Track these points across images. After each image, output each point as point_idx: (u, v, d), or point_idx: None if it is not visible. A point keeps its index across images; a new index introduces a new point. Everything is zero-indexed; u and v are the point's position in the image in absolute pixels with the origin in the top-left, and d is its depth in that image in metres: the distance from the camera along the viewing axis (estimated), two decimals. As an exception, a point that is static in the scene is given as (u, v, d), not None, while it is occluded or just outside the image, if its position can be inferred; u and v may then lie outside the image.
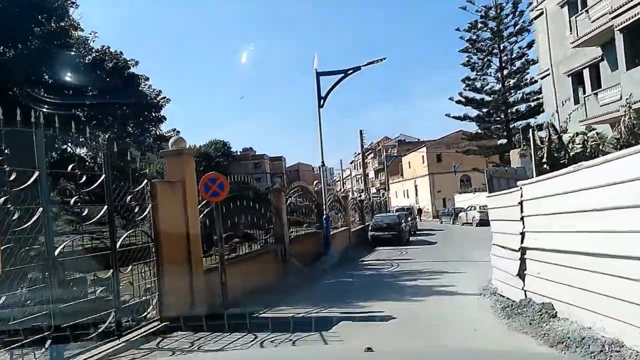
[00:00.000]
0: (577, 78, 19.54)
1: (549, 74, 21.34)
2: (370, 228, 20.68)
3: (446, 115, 37.69)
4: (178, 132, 16.14)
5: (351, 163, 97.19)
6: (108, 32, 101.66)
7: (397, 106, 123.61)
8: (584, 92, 18.80)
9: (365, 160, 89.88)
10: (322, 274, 11.97)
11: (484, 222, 33.46)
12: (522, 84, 34.20)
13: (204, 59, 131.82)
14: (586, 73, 18.70)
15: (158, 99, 16.20)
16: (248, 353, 3.19)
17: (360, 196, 24.24)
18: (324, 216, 14.11)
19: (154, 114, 15.90)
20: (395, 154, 52.55)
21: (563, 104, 20.45)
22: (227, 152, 57.89)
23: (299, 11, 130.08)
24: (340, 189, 57.35)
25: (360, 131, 48.18)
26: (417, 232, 28.15)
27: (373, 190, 61.70)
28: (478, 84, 36.54)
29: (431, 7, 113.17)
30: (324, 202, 14.16)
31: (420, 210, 43.41)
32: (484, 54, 36.05)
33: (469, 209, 33.77)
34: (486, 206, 31.81)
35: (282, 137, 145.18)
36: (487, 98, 35.95)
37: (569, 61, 19.54)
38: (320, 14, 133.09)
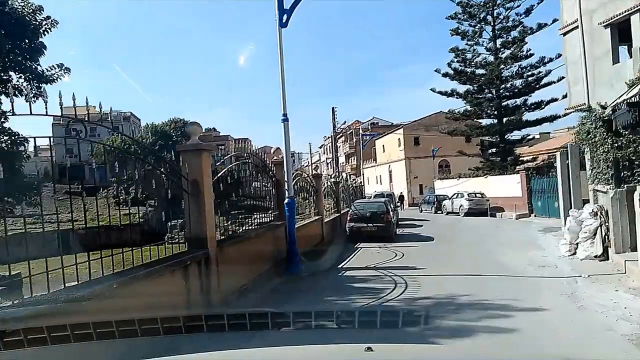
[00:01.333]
0: (618, 30, 15.20)
1: (576, 27, 16.95)
2: (348, 218, 15.86)
3: (431, 90, 33.18)
4: (67, 69, 10.51)
5: (321, 147, 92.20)
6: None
7: (371, 94, 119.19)
8: (632, 46, 14.48)
9: (336, 144, 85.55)
10: (275, 303, 6.81)
11: (473, 212, 29.76)
12: (519, 55, 30.02)
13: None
14: (636, 20, 14.36)
15: (38, 19, 10.55)
16: (248, 353, 2.17)
17: (334, 178, 19.25)
18: (286, 200, 9.12)
19: (27, 42, 10.28)
20: (370, 134, 47.74)
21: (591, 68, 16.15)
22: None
23: None
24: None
25: (333, 108, 43.18)
26: (400, 223, 23.73)
27: (344, 175, 57.08)
28: (469, 55, 32.16)
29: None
30: (286, 179, 9.11)
31: (402, 197, 39.00)
32: (475, 20, 31.60)
33: (455, 196, 29.63)
34: (476, 193, 27.82)
35: (251, 120, 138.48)
36: (479, 71, 31.64)
37: (608, 7, 15.19)
38: None
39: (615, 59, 15.19)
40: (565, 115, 17.47)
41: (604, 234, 9.18)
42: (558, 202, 22.62)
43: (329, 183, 18.04)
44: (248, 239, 7.93)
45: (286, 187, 9.15)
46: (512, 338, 4.86)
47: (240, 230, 8.10)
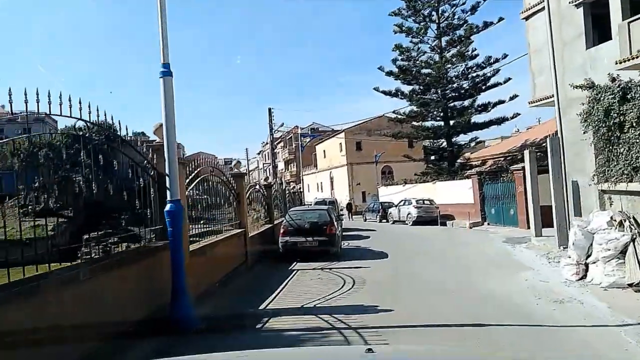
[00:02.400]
0: (593, 8, 13.20)
1: (541, 9, 14.88)
2: (282, 230, 12.35)
3: (374, 89, 30.72)
4: None
5: (259, 154, 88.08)
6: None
7: (314, 103, 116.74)
8: (609, 26, 12.44)
9: (275, 151, 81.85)
10: None
11: (422, 220, 27.40)
12: (466, 54, 28.37)
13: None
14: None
15: None
16: (248, 354, 2.38)
17: (266, 181, 15.69)
18: (168, 206, 5.39)
19: None
20: (310, 134, 44.59)
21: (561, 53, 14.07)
22: (114, 135, 45.35)
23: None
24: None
25: (270, 109, 39.54)
26: (344, 234, 20.63)
27: (277, 179, 53.53)
28: (414, 53, 30.15)
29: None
30: (165, 168, 5.27)
31: (350, 206, 35.85)
32: (420, 16, 29.66)
33: (402, 203, 27.16)
34: (425, 200, 25.48)
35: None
36: (425, 71, 29.67)
37: (582, -17, 13.15)
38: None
39: (589, 42, 13.17)
40: (533, 104, 15.23)
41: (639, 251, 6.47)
42: (515, 209, 20.91)
43: (258, 187, 14.42)
44: (85, 281, 4.21)
45: (167, 184, 5.41)
46: None
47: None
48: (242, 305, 6.86)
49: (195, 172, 7.54)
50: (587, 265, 7.62)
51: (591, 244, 7.61)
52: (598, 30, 13.46)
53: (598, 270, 7.13)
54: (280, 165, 76.34)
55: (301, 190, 34.68)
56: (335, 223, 12.84)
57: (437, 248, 14.31)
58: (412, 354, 2.00)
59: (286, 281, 8.99)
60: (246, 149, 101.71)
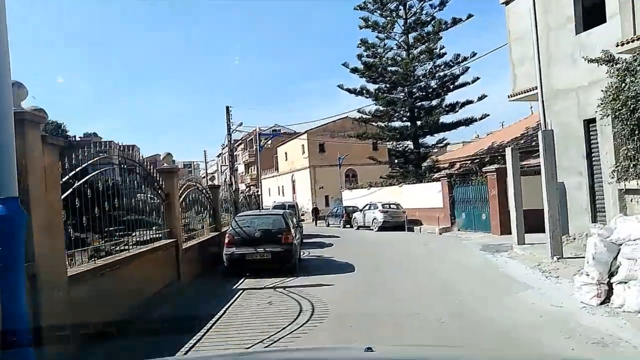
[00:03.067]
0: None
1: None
2: (227, 240, 10.09)
3: (338, 86, 29.02)
4: None
5: (218, 156, 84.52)
6: None
7: (279, 107, 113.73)
8: (598, 11, 11.07)
9: (235, 153, 78.67)
10: None
11: (389, 225, 25.76)
12: (434, 52, 27.11)
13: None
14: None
15: None
16: (247, 353, 2.60)
17: (212, 181, 13.29)
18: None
19: None
20: (271, 133, 42.25)
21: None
22: (63, 136, 41.22)
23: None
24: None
25: (227, 107, 36.91)
26: (305, 241, 18.58)
27: (242, 187, 50.83)
28: (380, 50, 28.64)
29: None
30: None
31: (316, 210, 33.60)
32: (387, 10, 28.20)
33: (367, 207, 25.43)
34: (391, 204, 23.89)
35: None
36: (391, 69, 28.20)
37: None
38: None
39: (580, 27, 11.84)
40: (514, 97, 13.79)
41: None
42: (487, 213, 19.55)
43: (199, 187, 12.07)
44: None
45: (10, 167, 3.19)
46: None
47: None
48: (148, 349, 4.61)
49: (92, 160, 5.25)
50: (609, 284, 5.93)
51: (615, 258, 5.92)
52: (585, 17, 12.19)
53: (632, 293, 5.43)
54: (241, 168, 73.39)
55: (259, 193, 32.22)
56: (293, 230, 10.71)
57: (410, 259, 12.51)
58: (412, 354, 1.92)
59: (224, 309, 6.78)
60: (204, 151, 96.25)
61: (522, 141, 22.99)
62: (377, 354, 1.63)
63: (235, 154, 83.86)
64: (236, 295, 7.91)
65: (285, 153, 49.27)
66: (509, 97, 14.11)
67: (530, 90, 13.20)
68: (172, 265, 8.39)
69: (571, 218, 11.54)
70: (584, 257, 9.51)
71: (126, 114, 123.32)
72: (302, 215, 28.06)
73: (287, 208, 20.44)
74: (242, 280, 9.45)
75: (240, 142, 73.14)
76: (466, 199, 20.64)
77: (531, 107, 24.05)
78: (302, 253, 14.18)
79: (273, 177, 52.58)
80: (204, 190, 12.02)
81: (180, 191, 9.36)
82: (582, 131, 11.37)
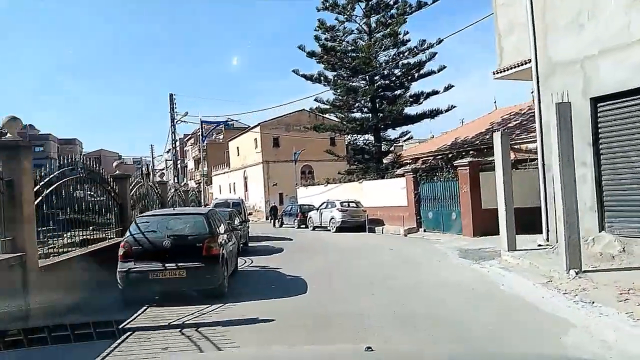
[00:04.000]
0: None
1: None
2: (121, 251, 6.98)
3: (293, 71, 26.15)
4: None
5: (168, 152, 79.16)
6: None
7: (238, 105, 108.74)
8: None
9: (185, 148, 73.63)
10: None
11: (348, 226, 23.08)
12: (397, 37, 24.82)
13: None
14: None
15: None
16: (246, 352, 2.50)
17: (118, 169, 9.95)
18: None
19: None
20: (217, 122, 38.53)
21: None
22: None
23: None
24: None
25: (171, 95, 33.03)
26: (250, 246, 15.57)
27: (192, 184, 46.75)
28: (339, 33, 26.05)
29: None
30: None
31: (275, 209, 30.19)
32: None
33: (324, 206, 22.75)
34: (351, 202, 21.05)
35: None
36: (352, 55, 25.67)
37: None
38: None
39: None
40: (500, 74, 11.51)
41: None
42: (458, 212, 17.37)
43: (84, 175, 8.73)
44: None
45: None
46: None
47: None
48: None
49: None
50: None
51: None
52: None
53: None
54: (191, 165, 68.75)
55: (200, 189, 28.70)
56: (221, 237, 7.68)
57: (379, 271, 9.84)
58: (412, 354, 1.98)
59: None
60: (151, 145, 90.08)
61: (487, 136, 21.29)
62: (377, 354, 1.65)
63: (185, 149, 78.42)
64: (115, 347, 4.87)
65: (237, 148, 45.75)
66: (494, 73, 11.81)
67: (522, 65, 10.97)
68: (11, 295, 5.21)
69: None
70: (611, 271, 7.28)
71: (68, 108, 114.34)
72: (250, 214, 24.93)
73: (232, 206, 17.41)
74: (140, 311, 6.41)
75: (190, 136, 68.53)
76: (434, 196, 18.37)
77: (495, 102, 22.27)
78: (244, 262, 11.26)
79: (224, 173, 48.83)
80: (98, 179, 8.67)
81: (45, 180, 6.16)
82: (588, 112, 9.17)
